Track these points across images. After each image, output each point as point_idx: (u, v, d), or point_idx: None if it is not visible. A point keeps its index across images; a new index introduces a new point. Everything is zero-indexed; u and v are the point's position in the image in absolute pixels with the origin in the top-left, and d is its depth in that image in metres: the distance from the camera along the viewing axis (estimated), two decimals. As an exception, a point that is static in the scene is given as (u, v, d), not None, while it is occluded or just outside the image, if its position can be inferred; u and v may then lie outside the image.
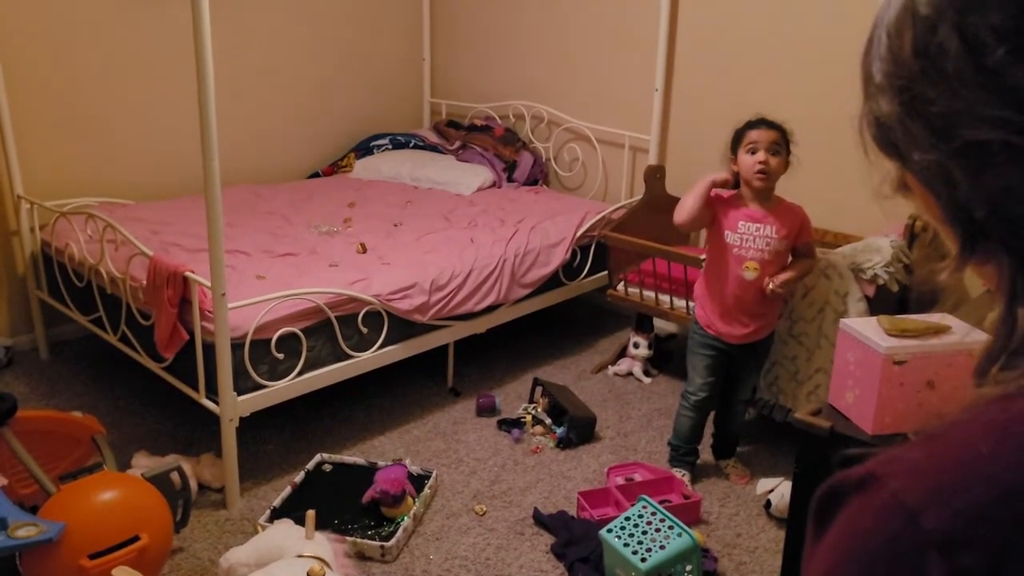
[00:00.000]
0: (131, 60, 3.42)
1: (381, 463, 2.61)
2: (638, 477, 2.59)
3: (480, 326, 3.07)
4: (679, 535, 2.07)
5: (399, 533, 2.28)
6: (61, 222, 3.01)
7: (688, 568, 2.07)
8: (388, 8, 4.29)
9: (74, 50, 3.27)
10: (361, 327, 2.64)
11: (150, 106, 3.51)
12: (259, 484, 2.55)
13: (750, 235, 2.40)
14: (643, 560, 2.01)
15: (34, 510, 1.92)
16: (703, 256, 2.61)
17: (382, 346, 2.72)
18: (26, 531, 1.76)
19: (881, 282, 2.52)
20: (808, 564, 0.49)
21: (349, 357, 2.64)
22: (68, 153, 3.32)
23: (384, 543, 2.23)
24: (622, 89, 3.72)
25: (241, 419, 2.38)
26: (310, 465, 2.60)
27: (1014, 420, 0.44)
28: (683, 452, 2.66)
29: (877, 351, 1.76)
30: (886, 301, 2.54)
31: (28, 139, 3.19)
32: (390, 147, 4.21)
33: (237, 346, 2.33)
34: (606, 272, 3.40)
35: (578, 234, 3.35)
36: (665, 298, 3.10)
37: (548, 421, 2.90)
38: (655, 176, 3.41)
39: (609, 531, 2.12)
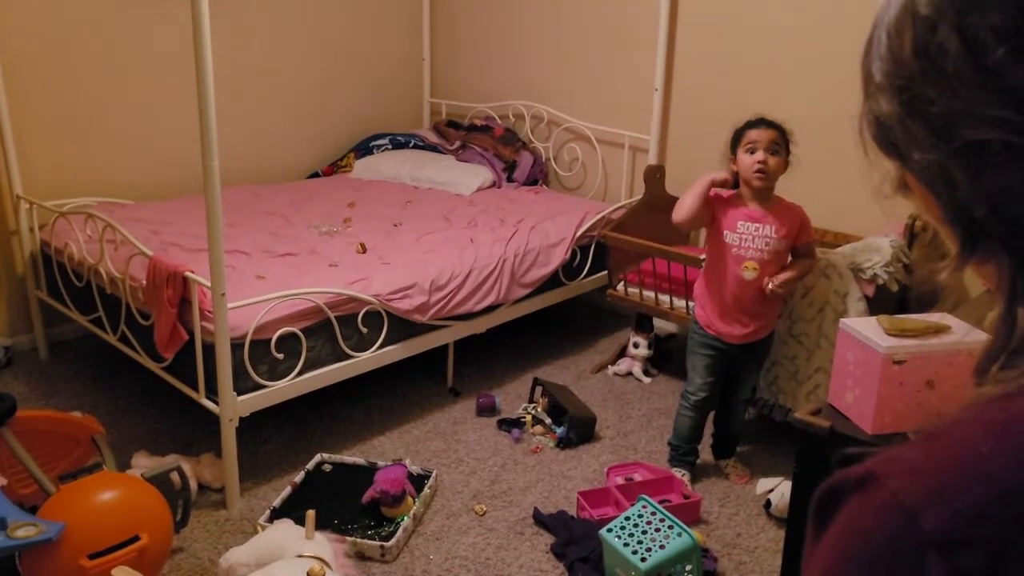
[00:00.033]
0: (131, 60, 3.42)
1: (381, 463, 2.61)
2: (638, 477, 2.59)
3: (480, 326, 3.07)
4: (679, 535, 2.07)
5: (399, 533, 2.28)
6: (60, 222, 3.01)
7: (688, 568, 2.07)
8: (388, 8, 4.29)
9: (74, 50, 3.27)
10: (361, 327, 2.64)
11: (150, 106, 3.51)
12: (259, 484, 2.55)
13: (749, 235, 2.40)
14: (643, 560, 2.01)
15: (33, 510, 1.92)
16: (703, 256, 2.61)
17: (382, 346, 2.72)
18: (26, 531, 1.76)
19: (881, 282, 2.52)
20: (808, 563, 0.49)
21: (349, 357, 2.64)
22: (67, 153, 3.32)
23: (384, 543, 2.23)
24: (622, 89, 3.72)
25: (241, 419, 2.38)
26: (310, 465, 2.60)
27: (1014, 419, 0.44)
28: (683, 452, 2.67)
29: (877, 351, 1.77)
30: (886, 301, 2.54)
31: (27, 139, 3.19)
32: (390, 147, 4.21)
33: (237, 346, 2.33)
34: (606, 272, 3.40)
35: (578, 234, 3.35)
36: (665, 298, 3.10)
37: (548, 421, 2.91)
38: (655, 176, 3.41)
39: (609, 531, 2.12)
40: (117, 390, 3.06)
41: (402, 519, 2.35)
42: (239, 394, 2.36)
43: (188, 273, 2.36)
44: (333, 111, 4.18)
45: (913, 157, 0.51)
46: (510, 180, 3.94)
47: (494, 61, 4.24)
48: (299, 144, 4.10)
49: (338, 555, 1.98)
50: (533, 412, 2.95)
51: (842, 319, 1.93)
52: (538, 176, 4.03)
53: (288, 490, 2.46)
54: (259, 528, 2.26)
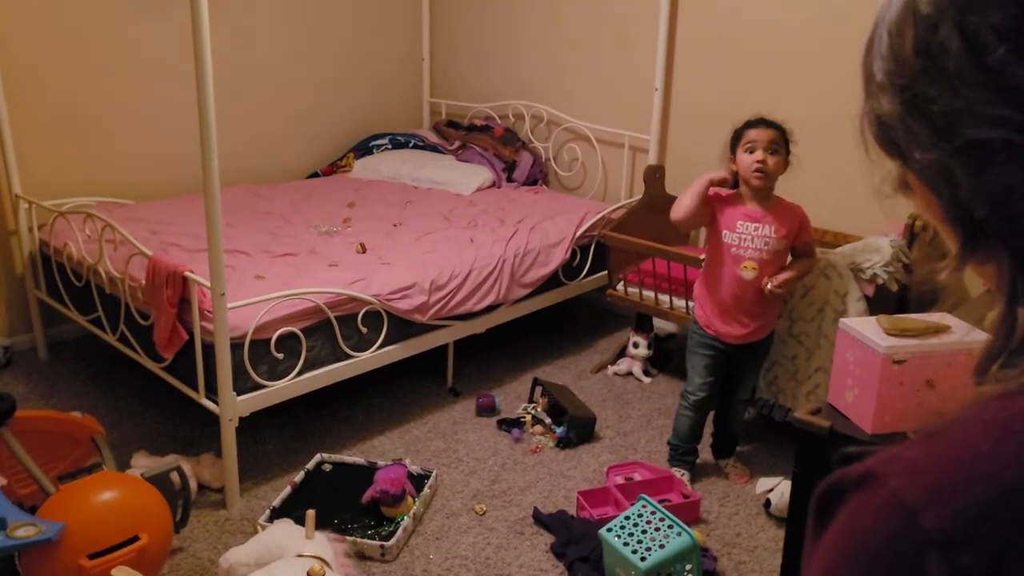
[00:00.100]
0: (130, 59, 3.42)
1: (381, 463, 2.61)
2: (638, 476, 2.59)
3: (480, 326, 3.07)
4: (679, 534, 2.07)
5: (399, 533, 2.28)
6: (60, 222, 3.00)
7: (688, 567, 2.07)
8: (388, 8, 4.29)
9: (73, 49, 3.26)
10: (361, 327, 2.64)
11: (149, 106, 3.51)
12: (259, 484, 2.55)
13: (748, 235, 2.40)
14: (643, 559, 2.01)
15: (33, 510, 1.92)
16: (703, 256, 2.61)
17: (382, 346, 2.72)
18: (25, 531, 1.76)
19: (880, 282, 2.52)
20: (808, 563, 0.49)
21: (349, 357, 2.64)
22: (66, 152, 3.32)
23: (384, 543, 2.23)
24: (622, 89, 3.72)
25: (241, 419, 2.38)
26: (310, 465, 2.60)
27: (1014, 418, 0.44)
28: (682, 452, 2.67)
29: (876, 350, 1.77)
30: (885, 301, 2.54)
31: (26, 138, 3.19)
32: (390, 147, 4.21)
33: (236, 346, 2.33)
34: (606, 272, 3.40)
35: (578, 234, 3.35)
36: (665, 298, 3.10)
37: (548, 421, 2.90)
38: (655, 176, 3.41)
39: (609, 530, 2.12)
40: (117, 390, 3.06)
41: (402, 519, 2.35)
42: (239, 394, 2.36)
43: (188, 273, 2.36)
44: (333, 111, 4.18)
45: (914, 156, 0.51)
46: (510, 180, 3.94)
47: (494, 61, 4.24)
48: (299, 144, 4.10)
49: (338, 555, 1.98)
50: (533, 412, 2.95)
51: (842, 319, 1.93)
52: (538, 176, 4.03)
53: (288, 490, 2.46)
54: (259, 528, 2.26)
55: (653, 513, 2.15)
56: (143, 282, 2.51)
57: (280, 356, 2.43)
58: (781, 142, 2.35)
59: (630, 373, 3.34)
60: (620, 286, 3.25)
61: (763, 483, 2.55)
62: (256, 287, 2.54)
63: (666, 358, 3.46)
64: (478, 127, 4.17)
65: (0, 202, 3.20)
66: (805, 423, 1.85)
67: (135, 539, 1.91)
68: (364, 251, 2.96)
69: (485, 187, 3.86)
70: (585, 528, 2.31)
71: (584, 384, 3.26)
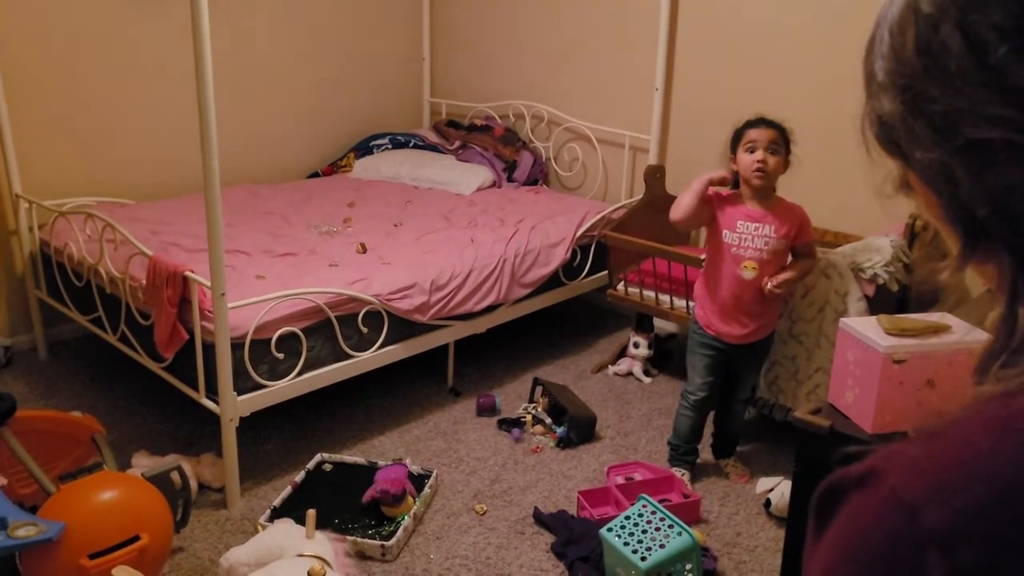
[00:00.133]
0: (130, 59, 3.42)
1: (381, 463, 2.61)
2: (638, 476, 2.59)
3: (480, 326, 3.07)
4: (679, 534, 2.07)
5: (399, 532, 2.28)
6: (60, 222, 3.01)
7: (688, 567, 2.07)
8: (388, 8, 4.29)
9: (73, 49, 3.26)
10: (361, 327, 2.64)
11: (150, 106, 3.51)
12: (259, 484, 2.55)
13: (749, 234, 2.40)
14: (643, 559, 2.01)
15: (34, 510, 1.92)
16: (703, 256, 2.61)
17: (382, 346, 2.72)
18: (26, 531, 1.76)
19: (881, 281, 2.52)
20: (809, 562, 0.49)
21: (349, 357, 2.64)
22: (67, 152, 3.32)
23: (384, 542, 2.23)
24: (622, 89, 3.72)
25: (241, 419, 2.38)
26: (310, 465, 2.60)
27: (1015, 416, 0.44)
28: (683, 451, 2.67)
29: (877, 350, 1.77)
30: (886, 300, 2.54)
31: (26, 138, 3.19)
32: (390, 147, 4.21)
33: (237, 346, 2.33)
34: (606, 272, 3.40)
35: (578, 234, 3.35)
36: (665, 298, 3.10)
37: (548, 421, 2.91)
38: (655, 176, 3.41)
39: (609, 530, 2.12)
40: (117, 390, 3.06)
41: (402, 518, 2.35)
42: (239, 394, 2.36)
43: (188, 273, 2.36)
44: (333, 111, 4.18)
45: (915, 156, 0.51)
46: (510, 180, 3.94)
47: (494, 61, 4.24)
48: (299, 144, 4.10)
49: (338, 554, 1.98)
50: (533, 412, 2.95)
51: (842, 319, 1.93)
52: (538, 176, 4.03)
53: (288, 490, 2.46)
54: (259, 528, 2.26)
55: (653, 513, 2.15)
56: (143, 282, 2.51)
57: (280, 356, 2.43)
58: (781, 142, 2.35)
59: (630, 373, 3.34)
60: (620, 286, 3.25)
61: (763, 483, 2.55)
62: (256, 287, 2.54)
63: (666, 358, 3.46)
64: (478, 127, 4.17)
65: (0, 202, 3.20)
66: (805, 423, 1.85)
67: (135, 539, 1.91)
68: (364, 251, 2.96)
69: (485, 187, 3.86)
70: (585, 528, 2.31)
71: (584, 384, 3.26)
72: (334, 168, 4.15)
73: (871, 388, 1.78)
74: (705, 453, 2.77)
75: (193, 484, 2.36)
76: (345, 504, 2.42)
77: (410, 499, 2.40)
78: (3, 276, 3.28)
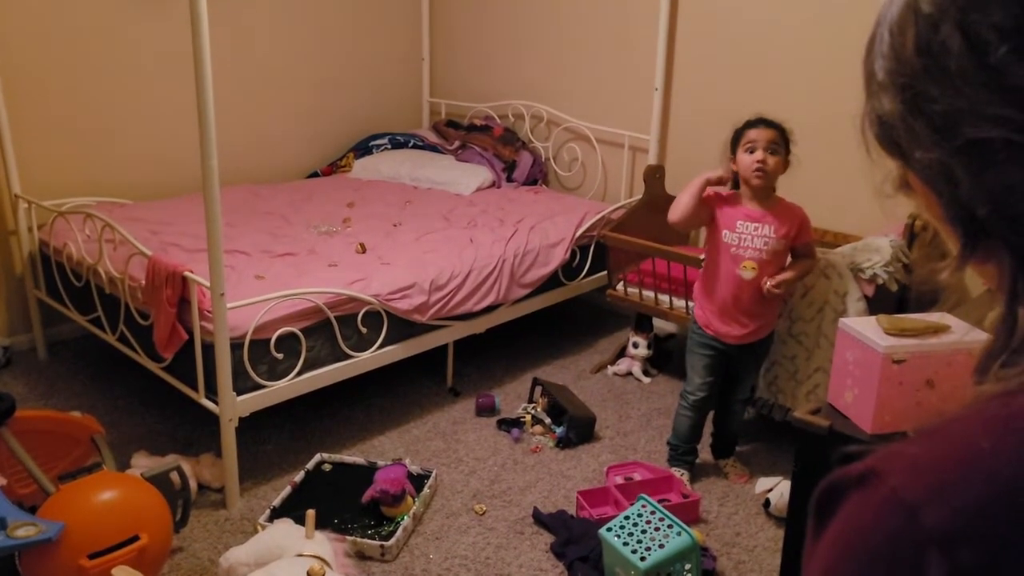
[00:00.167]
0: (130, 59, 3.42)
1: (381, 463, 2.61)
2: (637, 476, 2.59)
3: (480, 326, 3.07)
4: (678, 534, 2.07)
5: (399, 532, 2.28)
6: (59, 222, 3.00)
7: (687, 567, 2.07)
8: (387, 8, 4.29)
9: (72, 49, 3.26)
10: (360, 327, 2.64)
11: (149, 105, 3.51)
12: (259, 484, 2.55)
13: (748, 234, 2.40)
14: (642, 559, 2.01)
15: (33, 510, 1.92)
16: (702, 256, 2.61)
17: (381, 346, 2.72)
18: (25, 531, 1.76)
19: (880, 282, 2.52)
20: (808, 561, 0.49)
21: (348, 357, 2.64)
22: (66, 152, 3.32)
23: (384, 542, 2.23)
24: (621, 89, 3.72)
25: (241, 419, 2.38)
26: (310, 465, 2.60)
27: (1015, 416, 0.44)
28: (682, 451, 2.67)
29: (876, 350, 1.77)
30: (885, 300, 2.54)
31: (25, 138, 3.19)
32: (389, 147, 4.21)
33: (236, 346, 2.33)
34: (605, 272, 3.40)
35: (577, 234, 3.35)
36: (664, 298, 3.10)
37: (548, 421, 2.91)
38: (655, 176, 3.41)
39: (608, 530, 2.12)
40: (116, 390, 3.06)
41: (402, 519, 2.35)
42: (239, 394, 2.36)
43: (187, 273, 2.36)
44: (332, 111, 4.18)
45: (915, 156, 0.51)
46: (510, 180, 3.94)
47: (493, 61, 4.24)
48: (298, 144, 4.10)
49: (338, 554, 1.98)
50: (533, 412, 2.95)
51: (841, 319, 1.93)
52: (538, 176, 4.03)
53: (288, 490, 2.46)
54: (259, 528, 2.26)
55: (653, 513, 2.15)
56: (143, 282, 2.51)
57: (280, 356, 2.43)
58: (781, 142, 2.35)
59: (630, 373, 3.34)
60: (620, 286, 3.25)
61: (762, 483, 2.55)
62: (256, 287, 2.54)
63: (666, 358, 3.46)
64: (478, 127, 4.17)
65: (0, 202, 3.20)
66: (805, 423, 1.85)
67: (135, 539, 1.91)
68: (364, 251, 2.96)
69: (485, 187, 3.86)
70: (585, 528, 2.31)
71: (584, 384, 3.26)
72: (333, 168, 4.15)
73: (870, 388, 1.78)
74: (704, 453, 2.77)
75: (193, 484, 2.36)
76: (345, 504, 2.42)
77: (409, 499, 2.40)
78: (2, 276, 3.28)
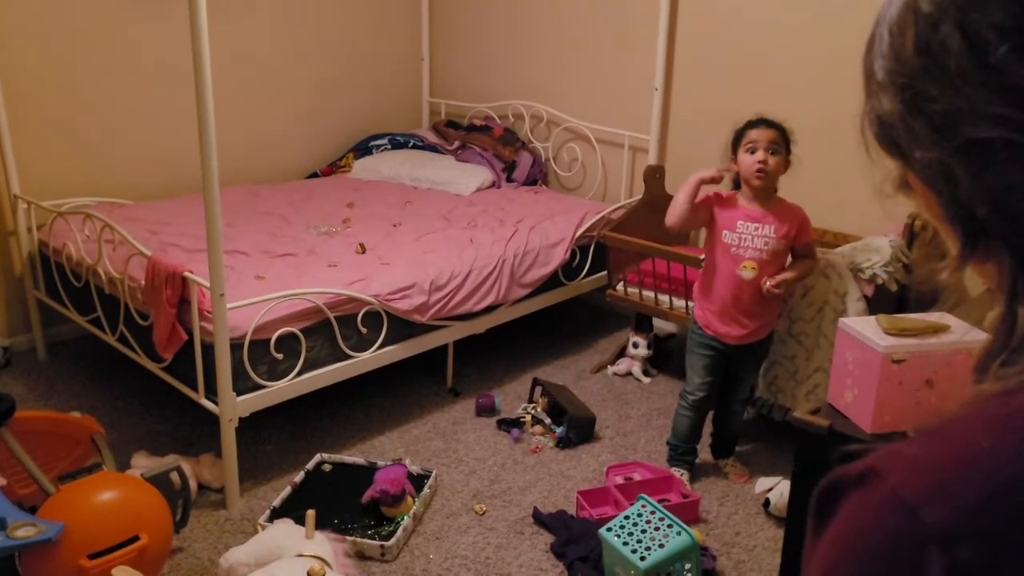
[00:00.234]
0: (129, 59, 3.42)
1: (381, 463, 2.61)
2: (637, 476, 2.59)
3: (479, 326, 3.07)
4: (678, 534, 2.07)
5: (399, 532, 2.28)
6: (59, 222, 3.00)
7: (687, 566, 2.08)
8: (387, 8, 4.29)
9: (72, 49, 3.26)
10: (360, 327, 2.64)
11: (149, 105, 3.51)
12: (259, 484, 2.55)
13: (748, 234, 2.40)
14: (642, 559, 2.02)
15: (33, 510, 1.92)
16: (702, 256, 2.61)
17: (381, 346, 2.72)
18: (25, 531, 1.76)
19: (880, 282, 2.52)
20: (808, 560, 0.49)
21: (348, 357, 2.64)
22: (65, 152, 3.32)
23: (384, 542, 2.23)
24: (621, 89, 3.73)
25: (240, 419, 2.38)
26: (310, 465, 2.60)
27: (1014, 415, 0.44)
28: (682, 451, 2.67)
29: (876, 350, 1.77)
30: (885, 300, 2.54)
31: (25, 138, 3.19)
32: (389, 147, 4.21)
33: (236, 346, 2.33)
34: (605, 272, 3.40)
35: (577, 234, 3.35)
36: (664, 298, 3.10)
37: (547, 421, 2.91)
38: (655, 176, 3.41)
39: (608, 530, 2.12)
40: (116, 390, 3.06)
41: (402, 519, 2.35)
42: (238, 394, 2.36)
43: (187, 273, 2.36)
44: (332, 111, 4.18)
45: (915, 155, 0.51)
46: (509, 180, 3.94)
47: (493, 61, 4.24)
48: (298, 144, 4.10)
49: (338, 554, 1.98)
50: (533, 412, 2.95)
51: (841, 319, 1.93)
52: (537, 176, 4.03)
53: (288, 490, 2.46)
54: (259, 528, 2.26)
55: (652, 513, 2.16)
56: (142, 282, 2.51)
57: (280, 356, 2.43)
58: (782, 142, 2.35)
59: (629, 373, 3.34)
60: (620, 286, 3.25)
61: (762, 483, 2.55)
62: (256, 287, 2.54)
63: (666, 358, 3.46)
64: (477, 127, 4.17)
65: (-1, 202, 3.21)
66: (804, 423, 1.85)
67: (135, 539, 1.91)
68: (363, 251, 2.96)
69: (485, 187, 3.86)
70: (585, 528, 2.31)
71: (584, 384, 3.26)
72: (333, 168, 4.15)
73: (870, 388, 1.78)
74: (704, 453, 2.77)
75: (192, 484, 2.36)
76: (345, 504, 2.42)
77: (409, 499, 2.40)
78: (2, 277, 3.28)
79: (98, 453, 2.21)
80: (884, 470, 0.45)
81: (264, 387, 2.42)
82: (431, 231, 3.21)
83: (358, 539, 2.25)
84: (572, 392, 3.07)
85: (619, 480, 2.55)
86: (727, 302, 2.46)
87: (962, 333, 1.80)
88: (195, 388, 2.44)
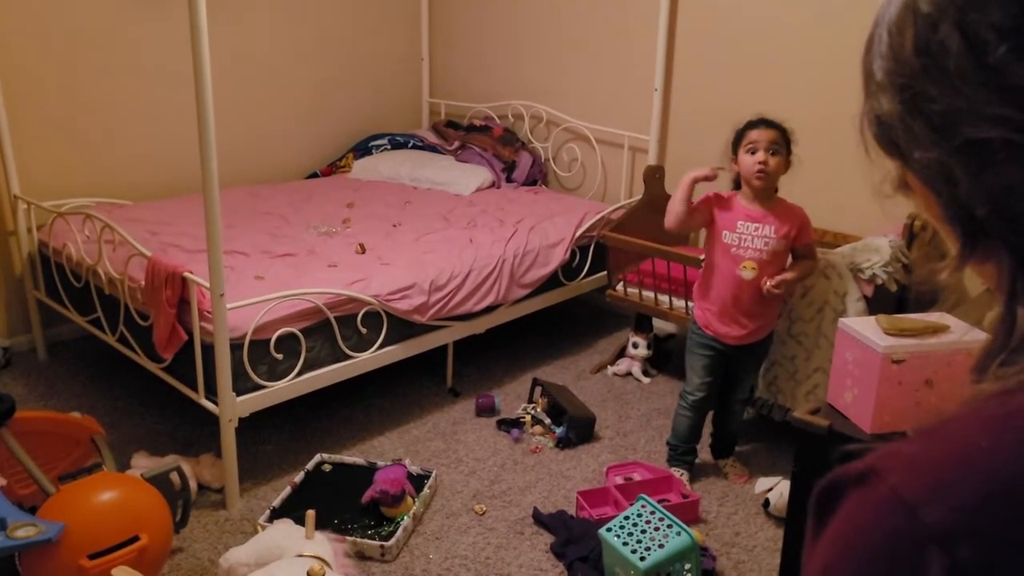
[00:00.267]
0: (130, 60, 3.42)
1: (381, 463, 2.61)
2: (637, 476, 2.59)
3: (479, 326, 3.07)
4: (678, 534, 2.07)
5: (399, 533, 2.28)
6: (59, 222, 3.00)
7: (687, 567, 2.08)
8: (387, 8, 4.29)
9: (72, 49, 3.26)
10: (360, 327, 2.64)
11: (149, 106, 3.51)
12: (259, 484, 2.55)
13: (748, 235, 2.40)
14: (642, 559, 2.02)
15: (33, 510, 1.92)
16: (702, 256, 2.61)
17: (381, 346, 2.72)
18: (25, 531, 1.76)
19: (880, 282, 2.52)
20: (808, 560, 0.49)
21: (348, 357, 2.64)
22: (65, 153, 3.32)
23: (384, 543, 2.23)
24: (621, 89, 3.73)
25: (240, 419, 2.38)
26: (310, 465, 2.60)
27: (1013, 414, 0.44)
28: (681, 451, 2.67)
29: (875, 350, 1.77)
30: (885, 301, 2.54)
31: (25, 139, 3.19)
32: (389, 147, 4.21)
33: (236, 346, 2.33)
34: (605, 272, 3.40)
35: (577, 234, 3.35)
36: (664, 298, 3.11)
37: (547, 421, 2.91)
38: (654, 176, 3.41)
39: (608, 530, 2.12)
40: (116, 391, 3.06)
41: (402, 519, 2.35)
42: (238, 394, 2.36)
43: (187, 274, 2.36)
44: (332, 111, 4.19)
45: (914, 156, 0.51)
46: (509, 180, 3.94)
47: (493, 61, 4.24)
48: (298, 144, 4.10)
49: (338, 555, 1.98)
50: (532, 412, 2.95)
51: (841, 319, 1.93)
52: (537, 176, 4.03)
53: (288, 490, 2.46)
54: (259, 528, 2.26)
55: (652, 513, 2.16)
56: (142, 283, 2.51)
57: (280, 356, 2.43)
58: (782, 142, 2.35)
59: (629, 373, 3.34)
60: (620, 286, 3.26)
61: (762, 483, 2.55)
62: (255, 287, 2.54)
63: (665, 358, 3.46)
64: (477, 127, 4.17)
65: (-1, 203, 3.21)
66: (804, 423, 1.85)
67: (135, 539, 1.91)
68: (363, 251, 2.96)
69: (484, 187, 3.86)
70: (585, 528, 2.32)
71: (584, 384, 3.26)
72: (333, 168, 4.15)
73: (870, 388, 1.78)
74: (704, 453, 2.77)
75: (192, 485, 2.36)
76: (344, 504, 2.42)
77: (409, 499, 2.40)
78: (2, 277, 3.28)
79: (98, 453, 2.21)
80: (884, 470, 0.46)
81: (264, 387, 2.43)
82: (431, 231, 3.21)
83: (358, 539, 2.25)
84: (572, 392, 3.07)
85: (619, 480, 2.55)
86: (727, 302, 2.46)
87: (962, 333, 1.80)
88: (195, 388, 2.44)
